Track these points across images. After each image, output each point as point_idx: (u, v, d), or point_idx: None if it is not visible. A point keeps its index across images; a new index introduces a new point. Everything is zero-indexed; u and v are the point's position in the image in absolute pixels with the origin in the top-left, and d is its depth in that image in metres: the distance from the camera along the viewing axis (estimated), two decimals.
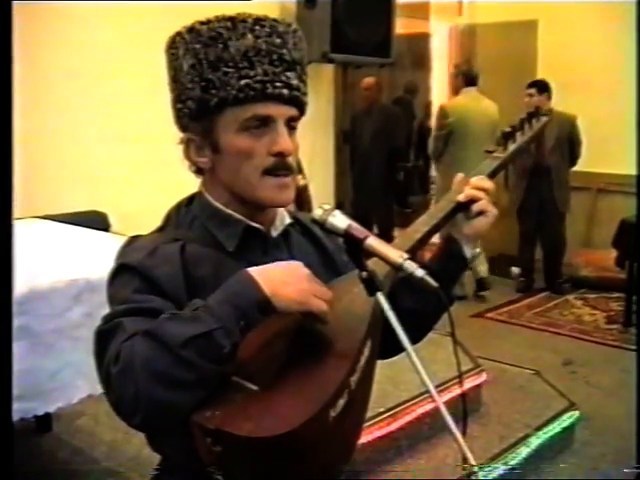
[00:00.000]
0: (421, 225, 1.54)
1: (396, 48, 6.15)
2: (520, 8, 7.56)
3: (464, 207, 1.56)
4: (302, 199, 6.18)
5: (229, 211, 1.45)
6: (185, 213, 1.49)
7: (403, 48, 7.53)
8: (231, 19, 1.39)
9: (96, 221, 4.22)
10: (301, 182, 6.23)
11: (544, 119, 1.81)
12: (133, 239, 1.46)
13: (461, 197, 1.56)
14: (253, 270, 1.27)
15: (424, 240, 1.53)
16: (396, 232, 7.58)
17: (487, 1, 7.99)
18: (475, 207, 1.55)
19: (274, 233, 1.50)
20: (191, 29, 1.40)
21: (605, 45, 7.01)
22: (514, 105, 7.98)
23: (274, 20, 1.43)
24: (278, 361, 1.28)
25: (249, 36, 1.38)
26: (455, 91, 7.20)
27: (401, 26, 6.49)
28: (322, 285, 1.32)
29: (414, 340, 1.54)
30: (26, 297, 2.62)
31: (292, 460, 1.19)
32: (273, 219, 1.50)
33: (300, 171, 6.29)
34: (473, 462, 1.21)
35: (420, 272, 1.24)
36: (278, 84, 1.39)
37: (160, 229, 1.50)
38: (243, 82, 1.36)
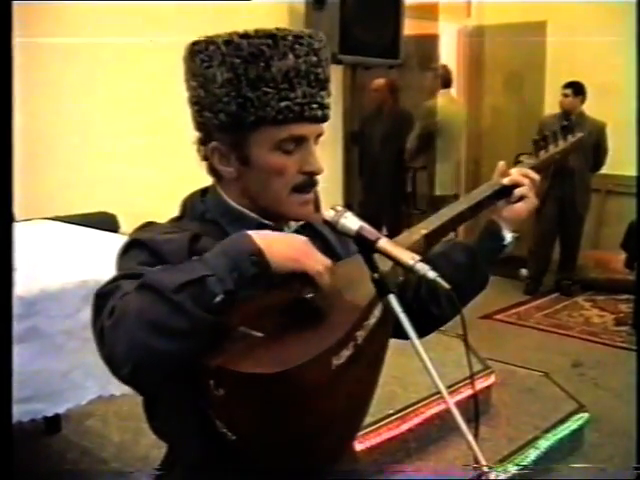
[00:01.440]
0: (463, 203, 1.66)
1: (405, 49, 6.15)
2: (529, 9, 7.56)
3: (507, 193, 1.67)
4: None
5: (242, 208, 1.47)
6: (198, 204, 1.51)
7: (411, 49, 7.51)
8: (272, 36, 1.38)
9: (105, 222, 4.23)
10: None
11: (579, 135, 1.87)
12: (148, 223, 1.49)
13: (506, 181, 1.67)
14: (251, 231, 1.28)
15: (463, 218, 1.63)
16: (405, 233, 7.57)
17: (496, 2, 7.97)
18: (517, 191, 1.66)
19: (286, 231, 1.51)
20: (229, 41, 1.37)
21: (614, 47, 6.99)
22: (521, 106, 8.03)
23: (309, 36, 1.43)
24: (285, 315, 1.30)
25: (290, 56, 1.38)
26: (431, 92, 7.34)
27: (410, 27, 6.49)
28: (319, 253, 1.32)
29: (451, 314, 1.63)
30: (36, 298, 2.63)
31: (293, 404, 1.21)
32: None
33: None
34: (484, 464, 1.21)
35: (432, 274, 1.24)
36: (314, 105, 1.42)
37: (177, 219, 1.53)
38: (283, 104, 1.38)
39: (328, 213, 1.33)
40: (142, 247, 1.37)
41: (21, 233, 3.31)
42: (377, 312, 1.33)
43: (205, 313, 1.18)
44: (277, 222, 1.49)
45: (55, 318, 2.68)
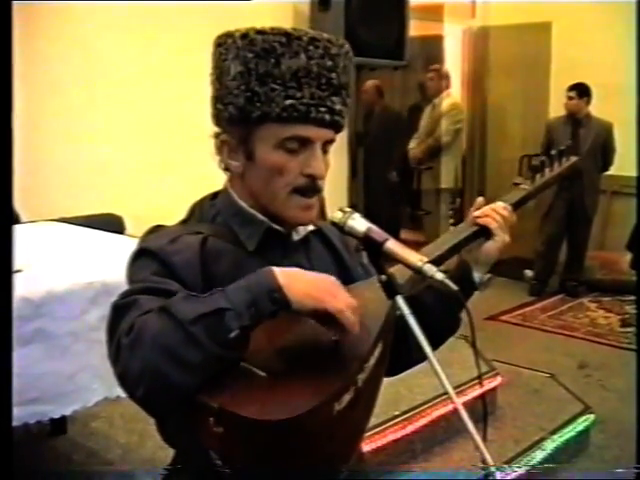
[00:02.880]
0: (441, 243, 1.61)
1: (409, 50, 6.15)
2: (534, 10, 7.55)
3: (483, 232, 1.62)
4: None
5: (252, 211, 1.47)
6: (209, 208, 1.52)
7: (416, 50, 7.54)
8: (287, 34, 1.39)
9: (111, 224, 4.23)
10: None
11: (573, 159, 1.84)
12: (157, 227, 1.49)
13: (480, 221, 1.62)
14: (277, 268, 1.27)
15: (444, 257, 1.58)
16: (403, 234, 7.63)
17: (500, 2, 7.97)
18: (484, 219, 1.62)
19: (295, 237, 1.52)
20: (245, 35, 1.39)
21: (619, 47, 6.99)
22: (526, 108, 8.03)
23: (328, 41, 1.43)
24: (288, 353, 1.30)
25: (302, 56, 1.38)
26: (436, 93, 7.51)
27: (414, 28, 6.49)
28: (346, 292, 1.30)
29: (416, 361, 1.58)
30: (42, 300, 2.63)
31: (292, 448, 1.20)
32: None
33: None
34: (492, 464, 1.21)
35: (440, 275, 1.24)
36: (322, 109, 1.40)
37: (183, 221, 1.53)
38: (288, 102, 1.37)
39: (336, 215, 1.33)
40: (152, 257, 1.37)
41: (27, 235, 3.32)
42: (377, 352, 1.32)
43: (218, 347, 1.19)
44: (284, 226, 1.49)
45: (61, 320, 2.68)
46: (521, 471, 3.63)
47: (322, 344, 1.32)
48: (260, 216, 1.47)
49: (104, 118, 4.79)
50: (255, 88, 1.37)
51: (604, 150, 6.91)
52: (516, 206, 1.67)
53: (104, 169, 4.76)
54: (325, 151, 1.45)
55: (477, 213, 1.63)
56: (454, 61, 8.41)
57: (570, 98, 6.84)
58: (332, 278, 1.31)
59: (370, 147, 7.19)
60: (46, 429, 3.66)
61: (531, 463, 3.78)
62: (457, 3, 8.22)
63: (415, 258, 1.27)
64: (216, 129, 1.49)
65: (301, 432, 1.18)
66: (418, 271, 1.26)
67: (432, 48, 8.45)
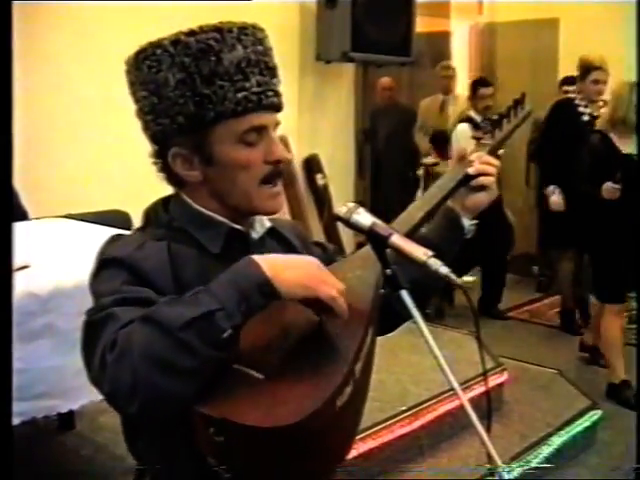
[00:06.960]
0: (429, 197, 1.61)
1: (416, 47, 6.16)
2: (541, 6, 7.54)
3: (468, 180, 1.62)
4: (322, 198, 6.20)
5: (210, 213, 1.45)
6: (162, 214, 1.49)
7: (423, 47, 7.53)
8: (218, 30, 1.37)
9: (118, 220, 4.23)
10: (321, 181, 6.25)
11: (528, 107, 1.86)
12: (117, 237, 1.46)
13: (471, 170, 1.61)
14: (257, 256, 1.25)
15: (432, 213, 1.60)
16: None
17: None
18: (482, 179, 1.61)
19: (255, 235, 1.50)
20: (176, 41, 1.36)
21: (626, 43, 6.97)
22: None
23: (253, 27, 1.43)
24: (282, 350, 1.28)
25: (239, 47, 1.38)
26: (446, 91, 7.43)
27: (421, 25, 6.49)
28: (333, 276, 1.29)
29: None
30: (51, 295, 2.65)
31: (296, 450, 1.19)
32: (253, 221, 1.50)
33: (320, 170, 6.35)
34: (498, 460, 1.21)
35: (445, 269, 1.25)
36: (270, 93, 1.41)
37: (141, 229, 1.51)
38: (240, 95, 1.36)
39: (340, 209, 1.33)
40: (120, 265, 1.33)
41: (35, 231, 3.34)
42: (368, 339, 1.31)
43: (213, 350, 1.16)
44: (246, 224, 1.47)
45: (69, 315, 2.68)
46: (525, 468, 3.64)
47: (313, 336, 1.31)
48: (219, 217, 1.44)
49: (111, 113, 4.79)
50: (203, 91, 1.35)
51: None
52: None
53: (111, 165, 4.78)
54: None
55: (471, 170, 1.61)
56: (461, 57, 8.40)
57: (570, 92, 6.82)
58: (316, 261, 1.30)
59: (385, 142, 7.19)
60: (54, 424, 3.67)
61: (538, 459, 3.78)
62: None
63: (420, 252, 1.27)
64: (153, 147, 1.46)
65: (306, 433, 1.17)
66: (423, 265, 1.26)
67: (439, 44, 8.45)
